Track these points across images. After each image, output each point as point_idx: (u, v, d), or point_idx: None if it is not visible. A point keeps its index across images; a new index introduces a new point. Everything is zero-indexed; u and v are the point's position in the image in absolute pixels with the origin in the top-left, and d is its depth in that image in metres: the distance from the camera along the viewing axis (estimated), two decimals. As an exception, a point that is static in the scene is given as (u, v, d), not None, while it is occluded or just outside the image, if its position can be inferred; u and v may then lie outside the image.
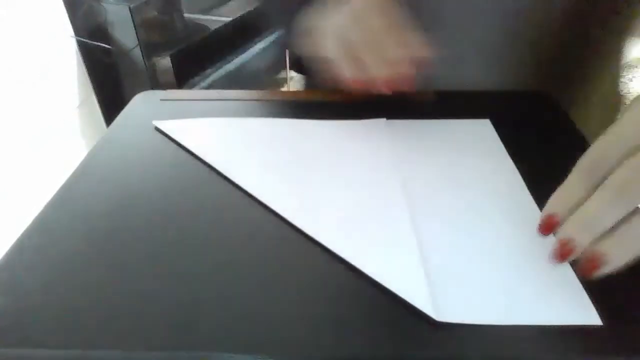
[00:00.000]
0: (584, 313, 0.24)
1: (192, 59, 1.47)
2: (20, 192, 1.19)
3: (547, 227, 0.26)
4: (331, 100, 0.44)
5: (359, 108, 0.41)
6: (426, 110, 0.41)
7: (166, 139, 0.39)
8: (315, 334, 0.23)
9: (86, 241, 0.29)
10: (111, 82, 1.45)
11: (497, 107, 0.42)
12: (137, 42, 1.33)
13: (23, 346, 0.23)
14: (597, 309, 0.24)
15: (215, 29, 1.56)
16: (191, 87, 1.46)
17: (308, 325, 0.24)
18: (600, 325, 0.23)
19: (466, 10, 0.43)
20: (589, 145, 0.25)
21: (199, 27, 1.55)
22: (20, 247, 0.29)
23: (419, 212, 0.31)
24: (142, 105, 0.44)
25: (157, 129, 0.39)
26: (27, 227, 0.30)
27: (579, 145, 0.35)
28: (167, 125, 0.40)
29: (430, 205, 0.31)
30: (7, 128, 1.18)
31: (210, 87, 1.50)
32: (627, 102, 0.48)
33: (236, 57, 1.62)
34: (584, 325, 0.24)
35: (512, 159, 0.36)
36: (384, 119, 0.40)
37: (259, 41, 1.73)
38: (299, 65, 0.55)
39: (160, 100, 0.45)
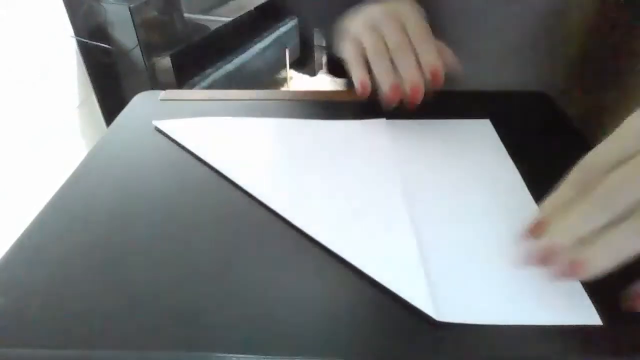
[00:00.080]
0: (584, 313, 0.24)
1: (192, 59, 1.47)
2: (20, 192, 1.19)
3: (536, 232, 0.26)
4: (331, 100, 0.44)
5: (359, 108, 0.41)
6: (426, 110, 0.41)
7: (166, 139, 0.39)
8: (315, 334, 0.23)
9: (86, 241, 0.29)
10: (111, 82, 1.45)
11: (497, 107, 0.42)
12: (137, 42, 1.33)
13: (23, 346, 0.23)
14: (597, 309, 0.24)
15: (215, 29, 1.56)
16: (191, 87, 1.46)
17: (308, 325, 0.24)
18: (600, 325, 0.24)
19: (495, 13, 0.43)
20: (589, 146, 0.25)
21: (199, 27, 1.56)
22: (20, 247, 0.29)
23: (419, 211, 0.31)
24: (142, 105, 0.44)
25: (157, 129, 0.40)
26: (27, 227, 0.30)
27: (578, 145, 0.35)
28: (167, 125, 0.40)
29: (430, 205, 0.31)
30: (7, 128, 1.18)
31: (210, 87, 1.50)
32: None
33: (236, 57, 1.62)
34: (584, 325, 0.24)
35: (512, 159, 0.36)
36: (384, 119, 0.40)
37: (259, 41, 1.74)
38: (335, 68, 0.54)
39: (160, 100, 0.45)
